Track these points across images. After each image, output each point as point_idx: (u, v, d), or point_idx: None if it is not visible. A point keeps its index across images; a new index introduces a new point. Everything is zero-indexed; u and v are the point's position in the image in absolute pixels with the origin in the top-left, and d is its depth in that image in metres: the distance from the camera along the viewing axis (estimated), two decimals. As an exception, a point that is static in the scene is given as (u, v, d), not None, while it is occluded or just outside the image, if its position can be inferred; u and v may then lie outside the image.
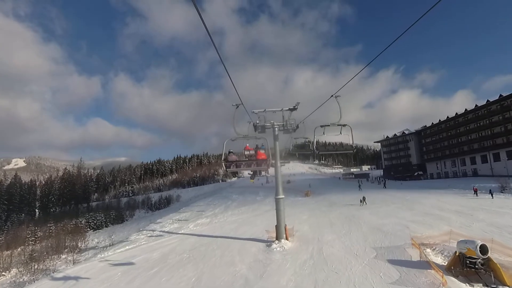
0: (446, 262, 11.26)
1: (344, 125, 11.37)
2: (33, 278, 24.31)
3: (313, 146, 12.32)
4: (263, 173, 14.41)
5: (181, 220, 29.61)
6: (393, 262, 11.53)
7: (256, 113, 16.95)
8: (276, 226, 16.42)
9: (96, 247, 33.08)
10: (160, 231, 25.05)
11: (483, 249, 9.09)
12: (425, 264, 10.87)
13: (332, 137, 11.92)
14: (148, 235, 23.67)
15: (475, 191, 28.01)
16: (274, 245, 15.30)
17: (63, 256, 29.37)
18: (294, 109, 16.81)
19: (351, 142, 11.74)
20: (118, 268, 14.09)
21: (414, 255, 12.14)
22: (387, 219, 19.73)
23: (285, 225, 16.38)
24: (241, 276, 11.28)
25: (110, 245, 27.67)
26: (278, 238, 16.02)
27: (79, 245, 36.12)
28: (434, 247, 12.85)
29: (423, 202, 25.17)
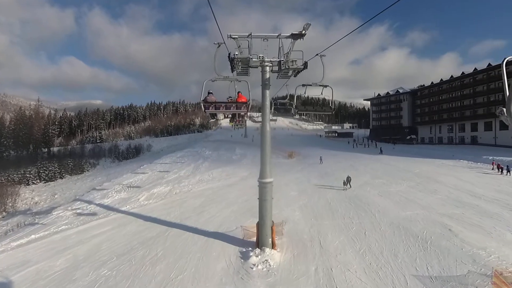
0: None
1: (326, 86, 10.14)
2: None
3: (293, 106, 10.84)
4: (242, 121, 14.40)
5: (133, 187, 23.14)
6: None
7: (235, 38, 9.74)
8: (257, 223, 10.44)
9: (28, 212, 26.38)
10: (98, 204, 18.54)
11: None
12: None
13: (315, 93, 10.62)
14: (79, 210, 17.13)
15: (500, 169, 22.99)
16: (253, 259, 9.50)
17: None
18: (300, 35, 9.66)
19: (331, 103, 10.63)
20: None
21: (502, 308, 6.71)
22: (409, 209, 14.37)
23: (272, 223, 10.42)
24: None
25: (33, 217, 20.96)
26: (260, 244, 10.13)
27: (7, 207, 29.28)
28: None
29: (441, 180, 20.12)
